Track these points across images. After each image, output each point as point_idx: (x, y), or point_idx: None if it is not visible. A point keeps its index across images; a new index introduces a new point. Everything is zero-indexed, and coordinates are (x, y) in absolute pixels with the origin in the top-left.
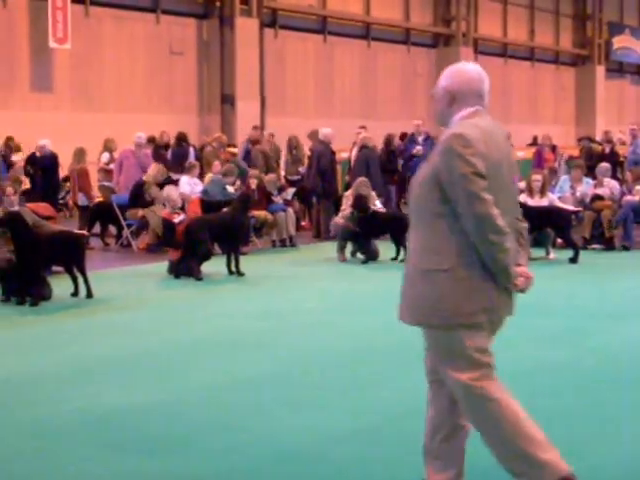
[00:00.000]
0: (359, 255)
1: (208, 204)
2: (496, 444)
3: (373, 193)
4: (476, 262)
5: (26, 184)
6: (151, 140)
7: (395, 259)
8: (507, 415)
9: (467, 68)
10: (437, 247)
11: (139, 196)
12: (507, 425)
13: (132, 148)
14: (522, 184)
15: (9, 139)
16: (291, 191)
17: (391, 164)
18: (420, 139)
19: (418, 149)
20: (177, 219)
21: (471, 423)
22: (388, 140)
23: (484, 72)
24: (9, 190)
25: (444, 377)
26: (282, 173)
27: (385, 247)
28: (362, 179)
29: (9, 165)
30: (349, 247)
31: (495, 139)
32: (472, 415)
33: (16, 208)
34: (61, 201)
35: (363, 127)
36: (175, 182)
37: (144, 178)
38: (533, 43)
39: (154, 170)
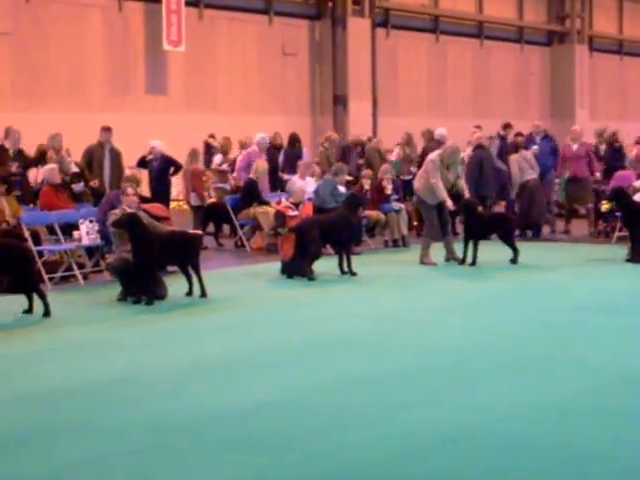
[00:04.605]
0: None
1: (320, 209)
2: None
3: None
4: None
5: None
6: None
7: (514, 261)
8: None
9: None
10: None
11: (251, 196)
12: None
13: (255, 149)
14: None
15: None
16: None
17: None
18: (538, 138)
19: (534, 149)
20: (290, 213)
21: None
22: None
23: None
24: (129, 190)
25: None
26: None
27: (488, 248)
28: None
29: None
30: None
31: None
32: None
33: (134, 209)
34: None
35: (478, 127)
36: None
37: (251, 175)
38: None
39: (263, 166)
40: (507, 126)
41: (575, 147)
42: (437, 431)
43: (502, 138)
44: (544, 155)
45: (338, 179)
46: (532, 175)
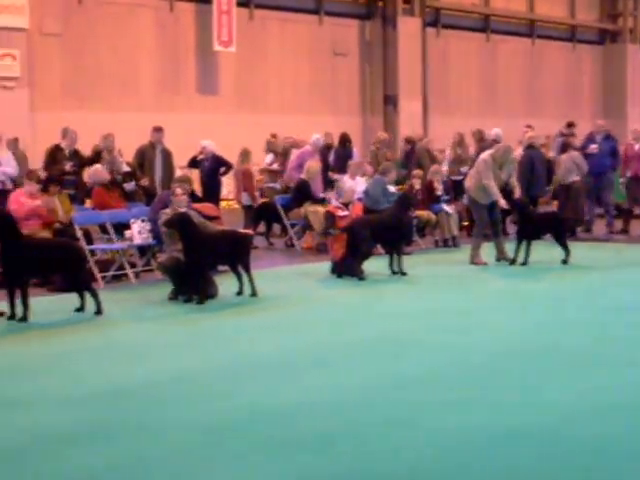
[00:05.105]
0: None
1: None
2: None
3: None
4: None
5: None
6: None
7: (565, 262)
8: None
9: None
10: None
11: (302, 196)
12: None
13: (309, 149)
14: None
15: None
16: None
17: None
18: (599, 138)
19: (593, 147)
20: (340, 213)
21: None
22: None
23: None
24: (178, 191)
25: None
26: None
27: (540, 249)
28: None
29: None
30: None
31: None
32: None
33: (184, 209)
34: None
35: (529, 126)
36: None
37: (302, 175)
38: None
39: (316, 166)
40: (570, 124)
41: (637, 147)
42: (495, 429)
43: (564, 136)
44: (603, 155)
45: (387, 178)
46: (576, 177)
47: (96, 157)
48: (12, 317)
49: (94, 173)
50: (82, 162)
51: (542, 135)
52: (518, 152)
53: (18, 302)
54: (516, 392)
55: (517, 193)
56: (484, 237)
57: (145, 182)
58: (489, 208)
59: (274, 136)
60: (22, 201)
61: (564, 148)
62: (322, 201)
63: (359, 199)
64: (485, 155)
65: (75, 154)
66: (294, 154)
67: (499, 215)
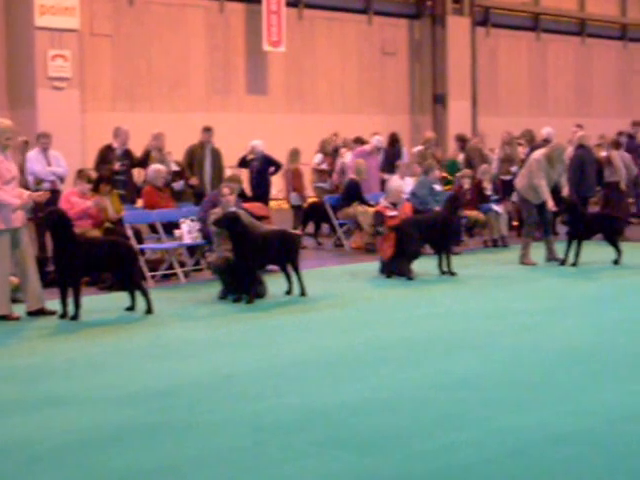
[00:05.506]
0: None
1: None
2: None
3: None
4: None
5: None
6: (358, 141)
7: (616, 262)
8: None
9: None
10: None
11: (352, 196)
12: None
13: (366, 148)
14: None
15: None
16: None
17: None
18: None
19: None
20: (389, 213)
21: None
22: None
23: None
24: (225, 191)
25: None
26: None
27: (590, 249)
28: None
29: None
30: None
31: None
32: None
33: (233, 208)
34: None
35: (579, 126)
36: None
37: (352, 175)
38: None
39: (364, 164)
40: (637, 124)
41: None
42: (548, 430)
43: (630, 136)
44: None
45: (431, 178)
46: (616, 178)
47: (146, 158)
48: (63, 316)
49: (154, 174)
50: (133, 163)
51: (593, 135)
52: (569, 152)
53: (69, 301)
54: (570, 393)
55: (565, 192)
56: (534, 237)
57: (194, 181)
58: (540, 208)
59: (335, 135)
60: (73, 201)
61: (617, 146)
62: (369, 204)
63: (407, 199)
64: (538, 154)
65: (127, 154)
66: (349, 154)
67: (550, 215)
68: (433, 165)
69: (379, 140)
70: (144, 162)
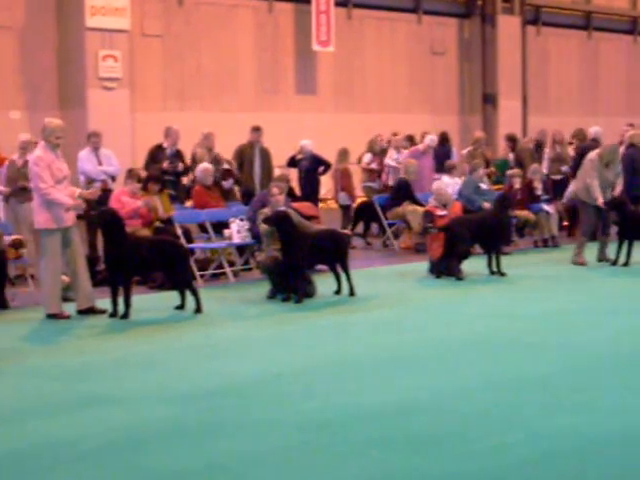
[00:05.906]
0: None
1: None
2: None
3: None
4: None
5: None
6: (409, 139)
7: None
8: None
9: None
10: None
11: (402, 196)
12: None
13: (420, 148)
14: None
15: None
16: None
17: None
18: None
19: None
20: (439, 212)
21: None
22: None
23: None
24: (274, 190)
25: None
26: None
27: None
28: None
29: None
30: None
31: None
32: None
33: (283, 208)
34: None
35: (631, 125)
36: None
37: (402, 175)
38: None
39: (414, 164)
40: None
41: None
42: (599, 432)
43: None
44: None
45: (476, 177)
46: None
47: (193, 163)
48: (113, 315)
49: (203, 173)
50: (183, 167)
51: None
52: (620, 151)
53: (120, 300)
54: (621, 394)
55: (617, 190)
56: (592, 238)
57: (242, 177)
58: (597, 208)
59: (395, 134)
60: (124, 200)
61: None
62: (420, 203)
63: (457, 199)
64: (592, 154)
65: (177, 154)
66: (405, 154)
67: (608, 215)
68: (479, 164)
69: (432, 139)
70: (187, 171)
